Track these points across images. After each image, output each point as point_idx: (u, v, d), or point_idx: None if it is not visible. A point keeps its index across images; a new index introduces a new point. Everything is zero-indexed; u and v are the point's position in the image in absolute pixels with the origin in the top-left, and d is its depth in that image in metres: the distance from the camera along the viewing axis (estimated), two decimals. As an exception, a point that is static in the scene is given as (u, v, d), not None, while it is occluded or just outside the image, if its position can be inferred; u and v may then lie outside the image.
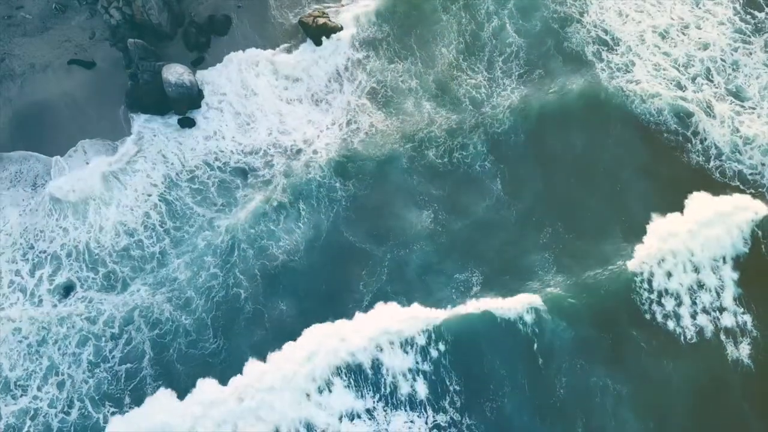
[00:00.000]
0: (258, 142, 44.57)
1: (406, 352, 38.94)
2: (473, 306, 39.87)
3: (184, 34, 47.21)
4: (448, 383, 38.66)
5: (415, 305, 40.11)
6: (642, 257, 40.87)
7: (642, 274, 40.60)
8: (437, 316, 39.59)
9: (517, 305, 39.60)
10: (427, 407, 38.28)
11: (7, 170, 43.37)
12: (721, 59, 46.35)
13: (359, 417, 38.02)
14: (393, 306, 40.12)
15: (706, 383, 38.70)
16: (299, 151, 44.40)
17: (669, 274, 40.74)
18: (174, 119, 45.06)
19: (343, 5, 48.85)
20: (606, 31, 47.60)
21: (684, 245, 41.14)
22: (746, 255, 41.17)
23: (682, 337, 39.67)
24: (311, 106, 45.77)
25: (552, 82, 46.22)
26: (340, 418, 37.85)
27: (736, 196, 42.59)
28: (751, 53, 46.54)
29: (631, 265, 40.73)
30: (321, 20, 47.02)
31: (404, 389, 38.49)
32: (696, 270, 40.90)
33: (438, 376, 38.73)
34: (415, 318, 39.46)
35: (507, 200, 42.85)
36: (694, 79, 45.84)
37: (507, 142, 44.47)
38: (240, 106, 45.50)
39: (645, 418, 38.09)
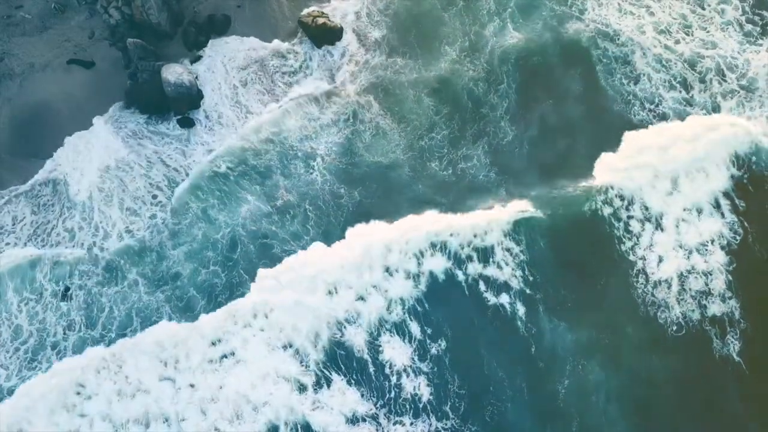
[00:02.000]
0: (254, 140, 44.43)
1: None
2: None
3: (184, 34, 47.14)
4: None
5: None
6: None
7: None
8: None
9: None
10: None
11: (32, 178, 43.40)
12: (732, 57, 46.31)
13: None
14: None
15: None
16: (298, 154, 44.33)
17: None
18: (144, 117, 45.22)
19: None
20: (607, 25, 47.77)
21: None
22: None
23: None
24: (310, 107, 45.65)
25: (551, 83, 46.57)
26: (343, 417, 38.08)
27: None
28: (758, 52, 46.54)
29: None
30: (320, 20, 46.84)
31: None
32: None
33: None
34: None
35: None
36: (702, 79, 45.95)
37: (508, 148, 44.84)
38: (232, 101, 45.64)
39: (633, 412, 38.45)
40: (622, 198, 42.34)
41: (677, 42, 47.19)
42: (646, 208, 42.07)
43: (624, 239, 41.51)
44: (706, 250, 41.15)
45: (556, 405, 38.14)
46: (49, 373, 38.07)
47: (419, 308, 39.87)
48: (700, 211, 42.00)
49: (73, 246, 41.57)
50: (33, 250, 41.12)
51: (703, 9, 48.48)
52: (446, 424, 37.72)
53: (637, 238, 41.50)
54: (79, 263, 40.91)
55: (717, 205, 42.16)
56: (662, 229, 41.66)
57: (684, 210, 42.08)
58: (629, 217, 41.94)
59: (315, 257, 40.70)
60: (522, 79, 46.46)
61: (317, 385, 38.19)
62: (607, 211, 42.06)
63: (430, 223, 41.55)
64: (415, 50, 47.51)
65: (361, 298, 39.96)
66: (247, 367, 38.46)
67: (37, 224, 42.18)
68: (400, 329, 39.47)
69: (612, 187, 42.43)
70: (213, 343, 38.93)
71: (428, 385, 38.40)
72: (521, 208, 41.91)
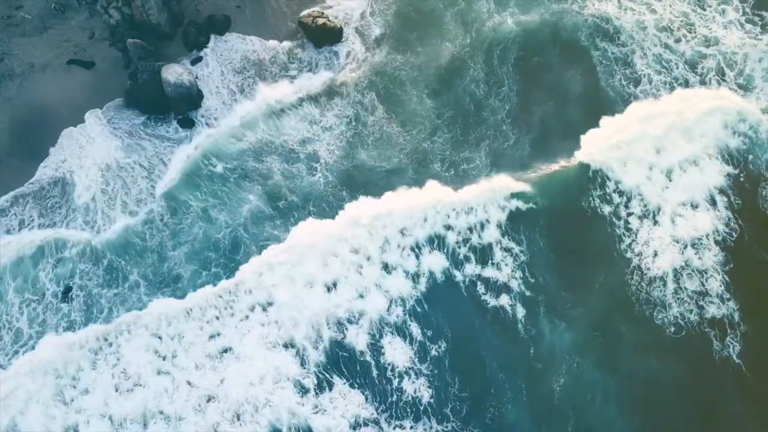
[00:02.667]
0: (252, 140, 44.47)
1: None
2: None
3: (184, 34, 47.07)
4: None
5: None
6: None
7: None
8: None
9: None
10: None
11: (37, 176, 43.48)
12: (732, 53, 46.64)
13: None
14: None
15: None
16: (300, 156, 44.30)
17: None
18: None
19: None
20: (607, 20, 48.05)
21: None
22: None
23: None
24: (310, 108, 45.64)
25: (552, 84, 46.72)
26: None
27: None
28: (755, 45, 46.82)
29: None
30: (320, 20, 46.81)
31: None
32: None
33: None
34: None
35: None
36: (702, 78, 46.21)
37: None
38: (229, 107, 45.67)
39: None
40: (621, 194, 42.55)
41: (678, 41, 47.27)
42: (644, 204, 42.29)
43: (623, 236, 41.64)
44: (702, 245, 41.22)
45: (558, 406, 38.25)
46: (41, 345, 38.43)
47: (419, 309, 39.91)
48: (695, 207, 42.19)
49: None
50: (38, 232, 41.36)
51: (704, 9, 48.56)
52: (447, 427, 37.82)
53: (636, 234, 41.63)
54: (80, 261, 40.88)
55: (713, 202, 42.32)
56: (659, 224, 41.84)
57: (680, 204, 42.30)
58: (629, 214, 42.13)
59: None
60: (522, 80, 46.62)
61: (318, 387, 38.11)
62: (607, 209, 42.28)
63: (426, 204, 41.95)
64: (417, 49, 47.49)
65: (361, 296, 40.05)
66: (247, 366, 38.37)
67: (44, 227, 42.10)
68: (401, 331, 39.47)
69: (609, 178, 42.65)
70: (211, 336, 38.99)
71: (429, 387, 38.39)
72: (517, 188, 42.44)
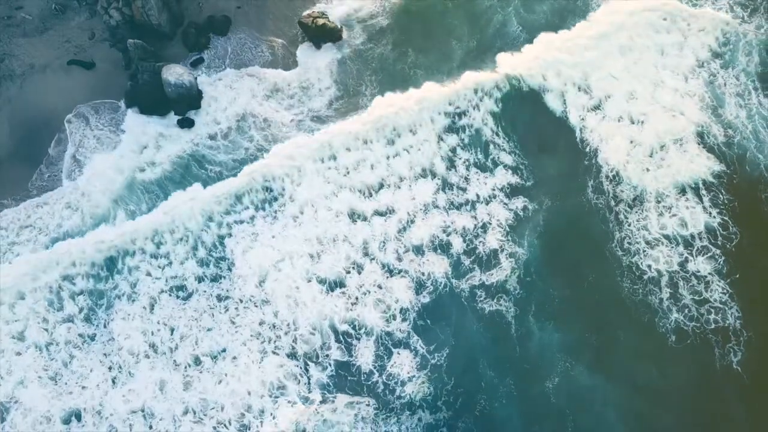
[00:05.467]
0: (252, 150, 44.41)
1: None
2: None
3: (184, 35, 47.18)
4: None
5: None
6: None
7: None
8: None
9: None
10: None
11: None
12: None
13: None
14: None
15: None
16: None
17: None
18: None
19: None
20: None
21: None
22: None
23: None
24: (312, 123, 45.42)
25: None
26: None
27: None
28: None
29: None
30: (320, 21, 46.80)
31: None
32: None
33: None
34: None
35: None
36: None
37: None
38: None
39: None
40: (611, 180, 42.64)
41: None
42: (640, 198, 42.36)
43: (617, 230, 41.68)
44: (703, 247, 41.09)
45: (555, 404, 38.17)
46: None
47: (420, 321, 39.72)
48: (693, 205, 42.11)
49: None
50: None
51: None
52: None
53: (648, 244, 41.52)
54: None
55: (709, 204, 42.17)
56: (657, 222, 41.89)
57: (676, 198, 42.33)
58: (618, 201, 42.25)
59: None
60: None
61: (319, 390, 38.11)
62: (600, 201, 42.34)
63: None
64: (425, 49, 47.57)
65: (358, 300, 40.07)
66: (248, 375, 38.42)
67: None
68: (401, 334, 39.37)
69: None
70: (209, 329, 39.14)
71: (428, 392, 38.23)
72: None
